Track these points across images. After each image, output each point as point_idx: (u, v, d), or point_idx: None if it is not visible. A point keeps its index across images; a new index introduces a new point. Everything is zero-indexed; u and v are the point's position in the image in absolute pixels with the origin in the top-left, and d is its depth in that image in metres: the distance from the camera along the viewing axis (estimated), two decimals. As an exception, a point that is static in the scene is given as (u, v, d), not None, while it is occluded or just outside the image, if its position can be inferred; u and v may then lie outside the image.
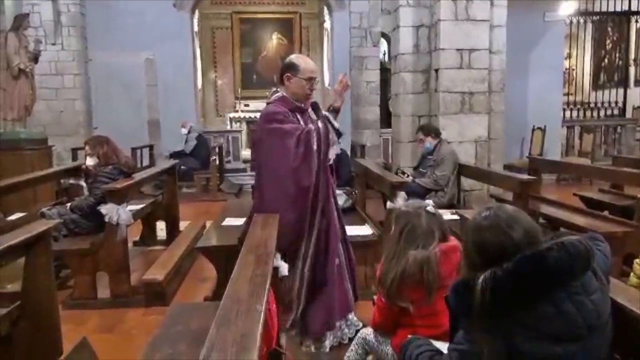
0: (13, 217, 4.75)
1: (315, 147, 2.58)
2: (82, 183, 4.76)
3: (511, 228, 1.34)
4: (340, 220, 3.01)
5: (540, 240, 1.34)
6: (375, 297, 2.24)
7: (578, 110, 10.21)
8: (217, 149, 9.02)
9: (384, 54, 10.99)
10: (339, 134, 2.66)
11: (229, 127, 11.09)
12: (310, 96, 2.78)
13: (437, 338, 1.87)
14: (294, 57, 2.82)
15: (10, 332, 2.32)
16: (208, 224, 4.95)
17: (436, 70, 5.57)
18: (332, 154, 2.64)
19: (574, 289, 1.29)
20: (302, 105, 2.79)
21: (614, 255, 1.48)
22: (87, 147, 4.21)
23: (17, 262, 2.47)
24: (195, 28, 10.76)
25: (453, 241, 2.11)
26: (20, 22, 6.24)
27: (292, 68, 2.72)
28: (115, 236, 3.75)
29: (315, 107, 2.85)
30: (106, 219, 3.73)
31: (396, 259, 2.02)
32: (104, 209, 3.73)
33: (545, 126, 8.92)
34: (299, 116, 2.78)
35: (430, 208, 2.11)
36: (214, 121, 11.83)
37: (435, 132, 5.09)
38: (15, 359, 2.38)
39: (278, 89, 2.84)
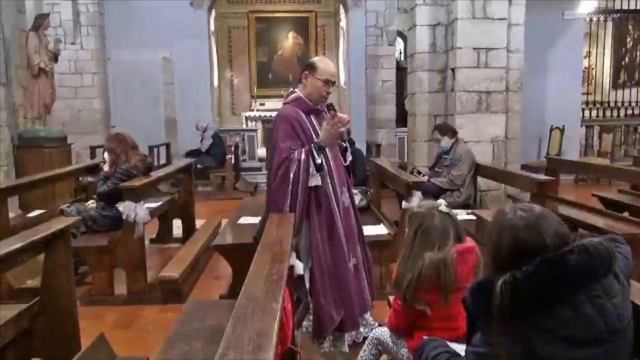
0: (33, 214, 4.84)
1: (292, 175, 2.63)
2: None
3: (545, 229, 1.31)
4: (358, 221, 3.01)
5: (570, 241, 1.32)
6: (391, 298, 2.23)
7: (597, 109, 10.06)
8: (232, 148, 9.06)
9: (400, 53, 10.94)
10: (319, 168, 2.66)
11: (244, 126, 11.13)
12: (325, 99, 2.78)
13: (454, 341, 1.85)
14: (316, 58, 2.86)
15: (30, 327, 2.36)
16: (224, 222, 4.98)
17: (453, 69, 5.53)
18: (313, 182, 2.67)
19: (595, 292, 1.26)
20: (318, 106, 2.79)
21: (634, 258, 1.45)
22: (105, 142, 4.29)
23: (36, 258, 2.51)
24: (212, 27, 10.82)
25: (469, 242, 2.09)
26: (41, 21, 6.33)
27: (311, 67, 2.73)
28: (132, 234, 3.80)
29: (331, 109, 2.81)
30: (124, 217, 3.78)
31: (412, 261, 2.01)
32: (121, 206, 3.78)
33: (563, 126, 8.80)
34: (313, 119, 2.78)
35: (443, 208, 2.09)
36: (230, 120, 11.90)
37: (451, 132, 5.05)
38: (35, 353, 2.42)
39: (295, 89, 2.86)
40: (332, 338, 2.82)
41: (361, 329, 2.90)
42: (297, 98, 2.79)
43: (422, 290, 1.97)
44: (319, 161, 2.63)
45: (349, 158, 2.92)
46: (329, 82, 2.73)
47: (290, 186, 2.64)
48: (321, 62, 2.77)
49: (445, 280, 1.92)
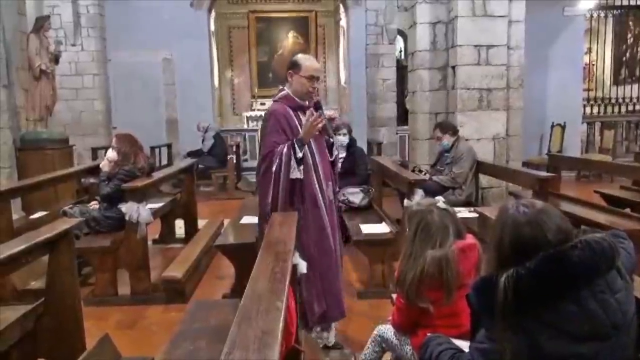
0: (35, 216, 4.85)
1: (274, 168, 2.75)
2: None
3: (546, 224, 1.31)
4: (340, 215, 3.17)
5: (572, 237, 1.32)
6: (394, 297, 2.24)
7: (599, 106, 10.06)
8: (234, 148, 9.07)
9: (401, 51, 10.93)
10: (299, 161, 2.76)
11: (245, 126, 11.13)
12: (312, 94, 2.87)
13: (458, 338, 1.85)
14: (299, 56, 2.94)
15: (35, 328, 2.37)
16: (226, 222, 4.99)
17: (453, 67, 5.52)
18: (295, 175, 2.75)
19: (599, 288, 1.26)
20: (306, 103, 2.89)
21: (637, 253, 1.45)
22: (114, 140, 4.27)
23: (40, 259, 2.52)
24: (212, 27, 10.82)
25: (470, 239, 2.10)
26: (41, 23, 6.34)
27: (295, 66, 2.84)
28: (135, 234, 3.81)
29: (318, 106, 2.91)
30: (126, 218, 3.79)
31: (413, 259, 2.02)
32: (124, 207, 3.79)
33: (564, 122, 8.80)
34: (301, 115, 2.88)
35: (441, 204, 2.10)
36: (230, 120, 11.89)
37: (452, 130, 5.05)
38: (40, 353, 2.42)
39: (284, 87, 2.97)
40: (319, 329, 2.93)
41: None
42: (285, 96, 2.90)
43: (424, 288, 1.97)
44: (299, 155, 2.73)
45: (335, 153, 3.03)
46: (314, 78, 2.84)
47: (273, 179, 2.76)
48: (304, 60, 2.87)
49: (447, 277, 1.93)
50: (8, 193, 4.13)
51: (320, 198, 2.85)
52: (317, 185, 2.84)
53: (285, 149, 2.73)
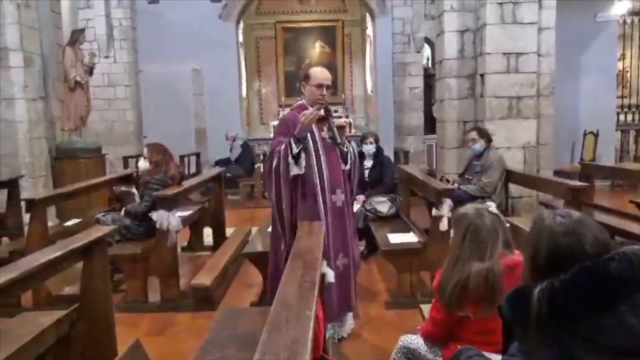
0: (69, 223, 4.98)
1: (274, 165, 2.94)
2: (134, 190, 4.93)
3: (584, 235, 1.28)
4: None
5: (611, 248, 1.28)
6: (423, 307, 2.21)
7: (633, 113, 9.81)
8: (261, 156, 9.15)
9: (428, 60, 10.88)
10: (296, 157, 2.89)
11: (272, 135, 11.21)
12: (322, 101, 3.05)
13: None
14: (310, 69, 3.18)
15: (69, 333, 2.42)
16: (253, 230, 5.03)
17: (482, 75, 5.47)
18: (294, 172, 2.90)
19: (637, 302, 1.22)
20: None
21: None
22: (145, 150, 4.37)
23: (74, 266, 2.58)
24: (240, 38, 10.99)
25: (518, 255, 2.03)
26: (77, 36, 6.55)
27: (306, 77, 3.13)
28: (165, 242, 3.87)
29: (328, 111, 3.08)
30: (157, 225, 3.85)
31: (460, 264, 1.95)
32: (154, 215, 3.86)
33: (597, 130, 8.59)
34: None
35: (492, 209, 2.03)
36: (258, 129, 12.00)
37: (487, 137, 4.97)
38: (73, 358, 2.48)
39: (301, 98, 3.20)
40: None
41: (345, 327, 3.14)
42: (300, 105, 3.15)
43: (466, 299, 1.92)
44: (295, 151, 2.87)
45: (350, 161, 3.14)
46: (322, 86, 3.07)
47: (274, 176, 2.95)
48: (313, 71, 3.13)
49: (492, 287, 1.87)
50: (44, 201, 4.26)
51: (321, 203, 2.98)
52: (319, 190, 2.98)
53: (282, 147, 2.89)
